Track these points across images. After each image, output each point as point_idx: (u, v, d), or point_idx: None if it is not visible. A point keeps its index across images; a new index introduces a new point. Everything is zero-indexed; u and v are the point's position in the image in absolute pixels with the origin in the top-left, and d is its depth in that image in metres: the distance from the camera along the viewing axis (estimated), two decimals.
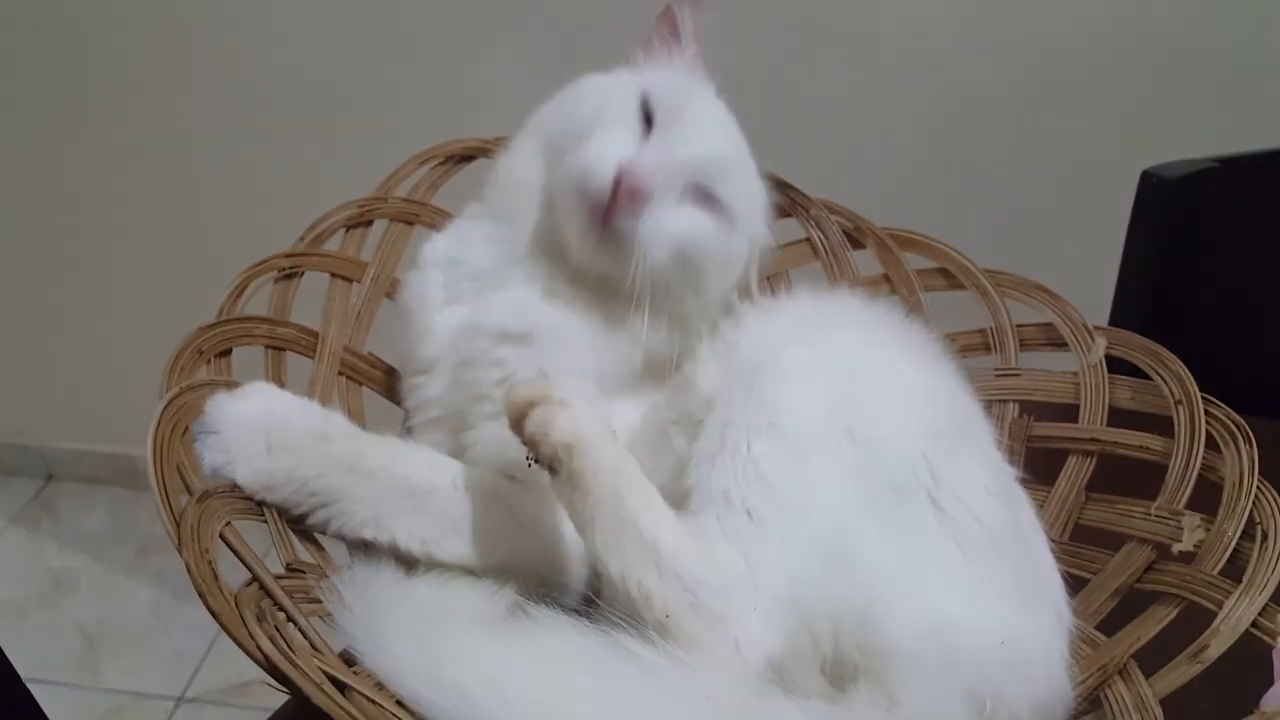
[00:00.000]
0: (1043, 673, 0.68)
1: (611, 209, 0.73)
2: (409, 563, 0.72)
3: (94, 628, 1.98)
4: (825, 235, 1.06)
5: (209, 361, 0.74)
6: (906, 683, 0.64)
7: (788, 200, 1.06)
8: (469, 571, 0.73)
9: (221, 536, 0.61)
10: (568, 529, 0.72)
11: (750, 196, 0.83)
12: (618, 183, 0.72)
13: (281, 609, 0.59)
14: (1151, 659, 0.69)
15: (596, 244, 0.75)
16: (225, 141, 1.81)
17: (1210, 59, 1.46)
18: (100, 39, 1.77)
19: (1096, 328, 0.94)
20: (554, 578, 0.73)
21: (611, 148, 0.75)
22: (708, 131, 0.80)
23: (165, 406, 0.64)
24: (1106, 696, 0.68)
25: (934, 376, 0.79)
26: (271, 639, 0.50)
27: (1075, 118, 1.51)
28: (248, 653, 0.50)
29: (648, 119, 0.78)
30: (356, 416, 0.84)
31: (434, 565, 0.72)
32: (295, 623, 0.59)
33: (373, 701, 0.52)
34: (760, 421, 0.69)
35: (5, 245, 2.05)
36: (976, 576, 0.69)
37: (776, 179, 1.06)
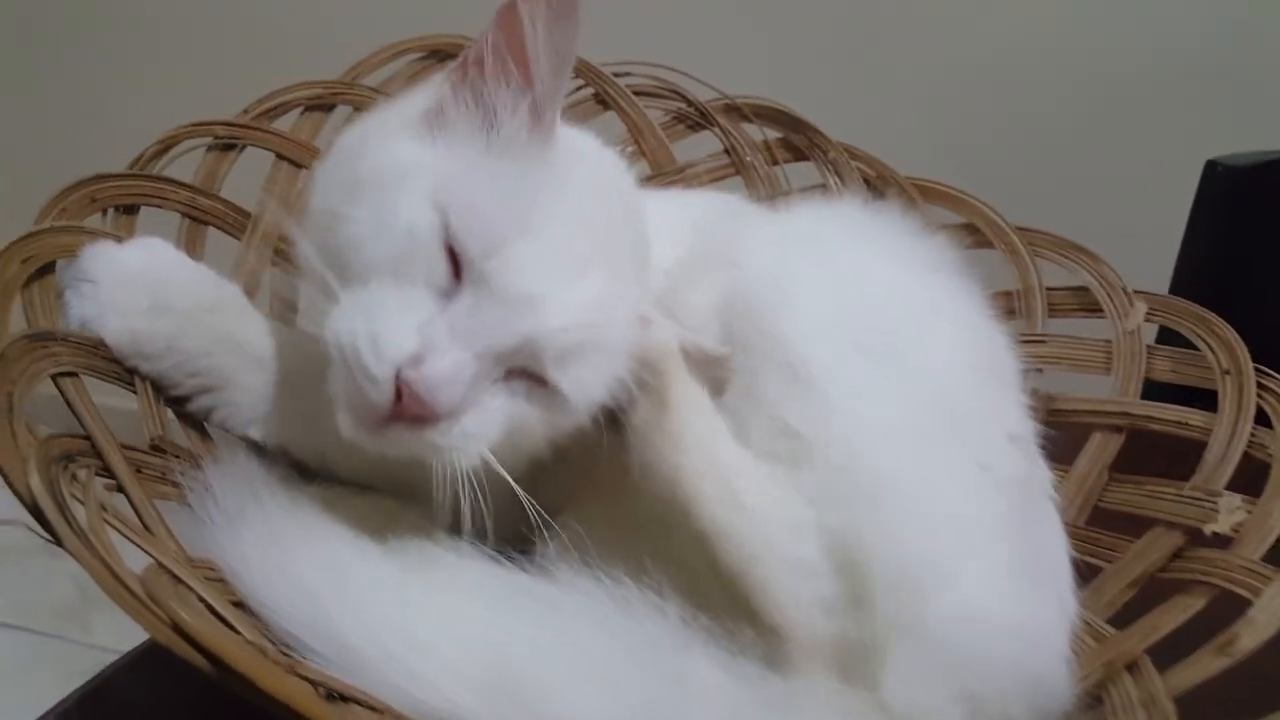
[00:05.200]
0: (1043, 666, 0.57)
1: (395, 416, 0.51)
2: (304, 471, 0.63)
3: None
4: (843, 181, 0.96)
5: (104, 213, 0.65)
6: (894, 662, 0.55)
7: (805, 141, 0.97)
8: (365, 491, 0.63)
9: (56, 382, 0.52)
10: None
11: (605, 366, 0.57)
12: (399, 391, 0.50)
13: (110, 474, 0.50)
14: (1172, 657, 0.57)
15: (373, 441, 0.53)
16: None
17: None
18: None
19: (1137, 292, 0.83)
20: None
21: (393, 332, 0.50)
22: (552, 291, 0.53)
23: (26, 235, 0.55)
24: (1109, 694, 0.57)
25: (953, 294, 0.68)
26: (51, 479, 0.40)
27: (1140, 106, 1.38)
28: (12, 485, 0.40)
29: (453, 255, 0.53)
30: (289, 314, 0.75)
31: (332, 480, 0.63)
32: (126, 492, 0.50)
33: (177, 579, 0.42)
34: (775, 361, 0.60)
35: None
36: (987, 540, 0.58)
37: (794, 117, 0.98)
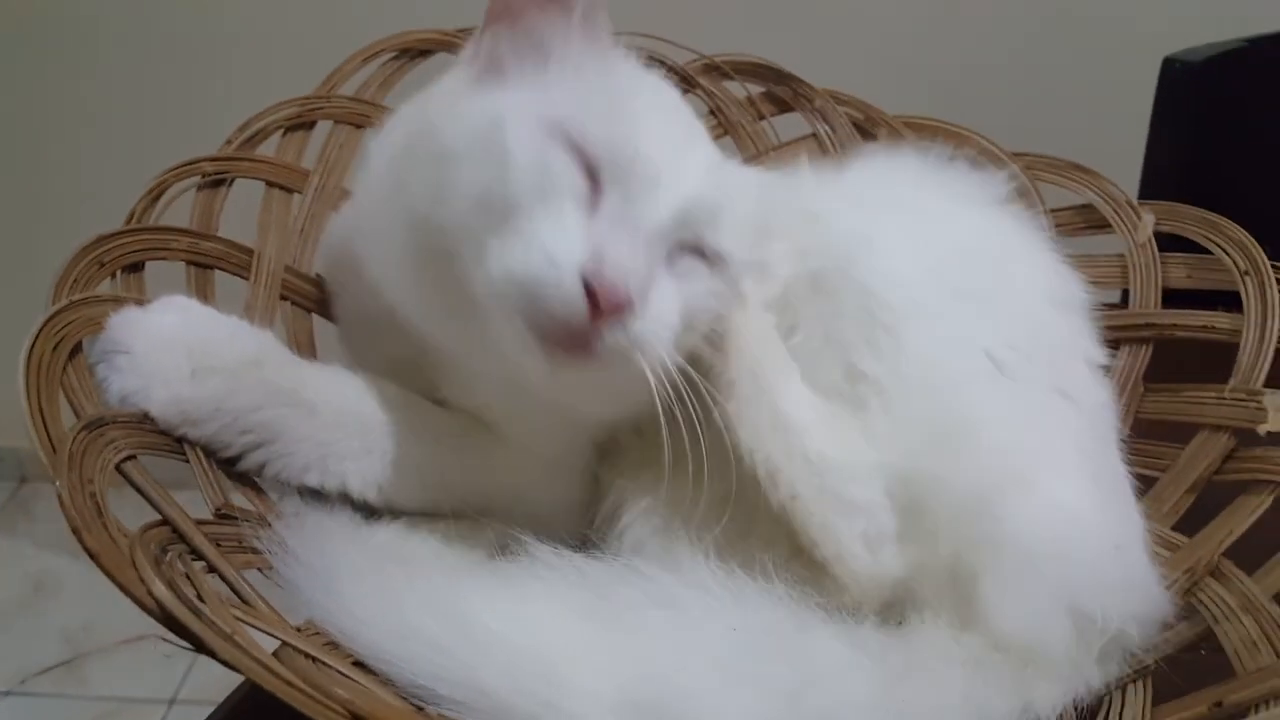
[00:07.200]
0: (1136, 570, 0.60)
1: (593, 330, 0.51)
2: (366, 511, 0.62)
3: (78, 631, 1.84)
4: (833, 129, 0.95)
5: (113, 276, 0.62)
6: (990, 579, 0.57)
7: (789, 93, 0.96)
8: (436, 518, 0.63)
9: (121, 471, 0.49)
10: (547, 471, 0.66)
11: (741, 220, 0.60)
12: (592, 295, 0.50)
13: (199, 555, 0.48)
14: (1249, 557, 0.59)
15: (575, 371, 0.54)
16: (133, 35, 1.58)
17: None
18: None
19: (1142, 203, 0.83)
20: (539, 522, 0.62)
21: (561, 242, 0.52)
22: (677, 164, 0.56)
23: (50, 318, 0.52)
24: (1201, 602, 0.58)
25: (1021, 230, 0.71)
26: (169, 583, 0.39)
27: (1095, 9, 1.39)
28: (137, 600, 0.38)
29: (588, 169, 0.55)
30: (305, 348, 0.73)
31: (397, 513, 0.63)
32: (219, 572, 0.48)
33: (311, 658, 0.41)
34: (857, 306, 0.62)
35: None
36: (1084, 465, 0.61)
37: (775, 69, 0.97)
